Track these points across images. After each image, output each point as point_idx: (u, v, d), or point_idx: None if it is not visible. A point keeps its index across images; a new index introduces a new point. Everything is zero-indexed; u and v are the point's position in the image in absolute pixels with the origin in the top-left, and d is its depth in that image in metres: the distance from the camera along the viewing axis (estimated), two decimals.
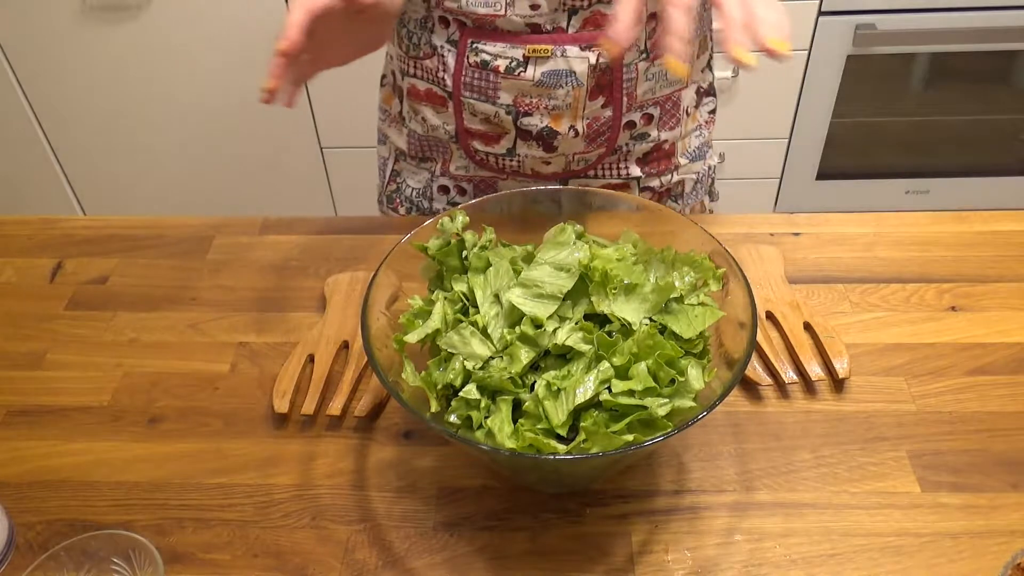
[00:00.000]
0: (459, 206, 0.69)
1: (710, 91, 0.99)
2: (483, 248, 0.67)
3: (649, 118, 0.91)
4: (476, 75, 0.85)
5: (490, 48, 0.83)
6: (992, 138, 2.01)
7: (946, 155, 2.04)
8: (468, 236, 0.68)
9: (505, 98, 0.85)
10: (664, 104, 0.91)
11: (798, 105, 1.91)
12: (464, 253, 0.68)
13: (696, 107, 0.97)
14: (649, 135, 0.93)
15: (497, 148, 0.90)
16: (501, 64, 0.83)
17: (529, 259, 0.65)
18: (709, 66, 0.97)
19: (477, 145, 0.91)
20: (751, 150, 1.99)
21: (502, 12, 0.80)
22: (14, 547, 0.64)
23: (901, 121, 1.99)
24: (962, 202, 2.08)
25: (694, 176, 1.00)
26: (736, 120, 1.90)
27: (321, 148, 1.99)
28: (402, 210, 1.02)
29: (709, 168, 1.03)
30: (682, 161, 0.98)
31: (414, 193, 1.00)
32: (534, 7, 0.80)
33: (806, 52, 1.82)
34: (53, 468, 0.70)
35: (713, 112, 1.01)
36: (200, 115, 1.93)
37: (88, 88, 1.89)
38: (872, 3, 1.75)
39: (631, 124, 0.90)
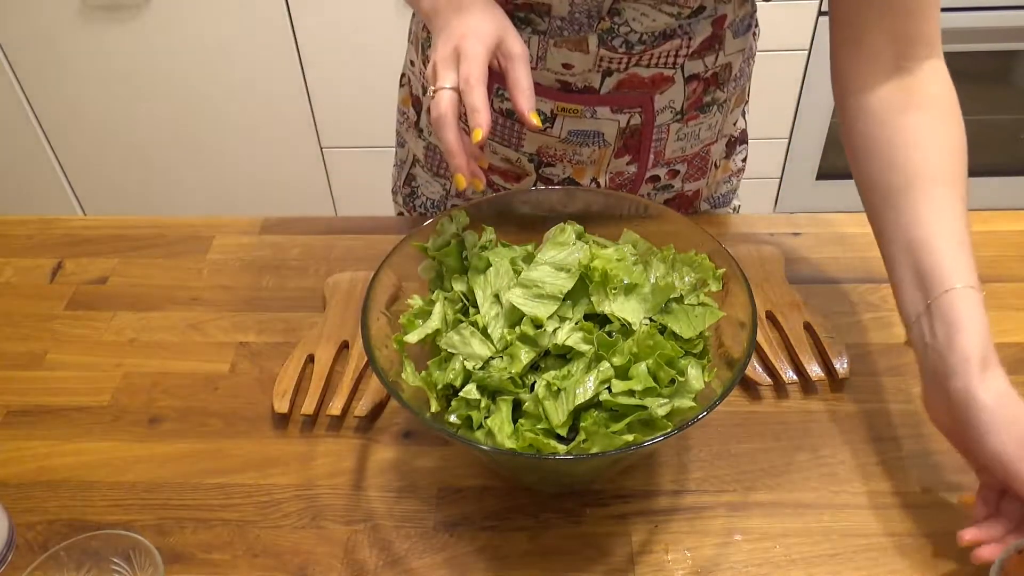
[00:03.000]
0: (459, 206, 0.69)
1: (743, 139, 0.96)
2: (483, 248, 0.67)
3: (675, 173, 0.88)
4: (500, 121, 0.82)
5: None
6: (992, 138, 2.01)
7: None
8: (468, 236, 0.68)
9: (529, 147, 0.83)
10: (692, 160, 0.88)
11: (798, 105, 1.91)
12: (464, 253, 0.68)
13: (727, 157, 0.94)
14: (673, 186, 0.90)
15: (516, 186, 0.88)
16: None
17: (529, 259, 0.65)
18: (743, 115, 0.94)
19: (496, 179, 0.89)
20: (751, 150, 1.98)
21: (533, 66, 0.76)
22: (14, 547, 0.64)
23: None
24: None
25: None
26: None
27: (321, 148, 1.99)
28: (416, 215, 1.01)
29: (734, 209, 1.01)
30: (704, 207, 0.96)
31: (430, 204, 0.99)
32: (567, 66, 0.76)
33: (806, 52, 1.82)
34: (53, 468, 0.70)
35: (745, 159, 0.97)
36: (200, 115, 1.93)
37: (88, 88, 1.89)
38: None
39: (655, 178, 0.88)
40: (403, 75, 0.97)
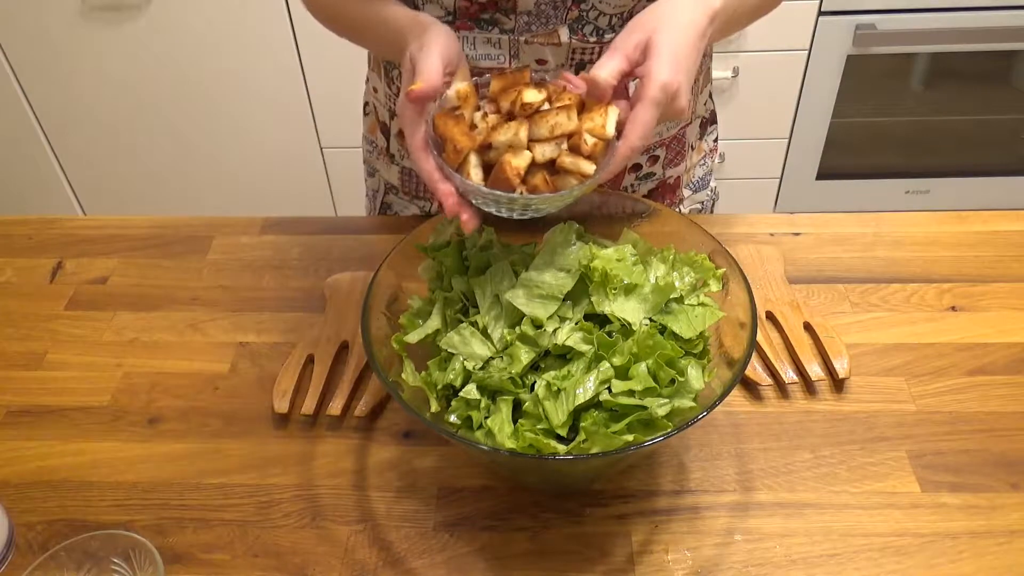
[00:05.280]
0: None
1: (712, 119, 0.98)
2: (483, 248, 0.67)
3: (655, 159, 0.89)
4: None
5: None
6: (992, 138, 2.01)
7: (946, 155, 2.04)
8: (468, 236, 0.68)
9: None
10: (670, 144, 0.89)
11: (798, 105, 1.91)
12: (464, 253, 0.68)
13: (700, 139, 0.95)
14: (655, 174, 0.91)
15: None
16: None
17: (529, 259, 0.65)
18: (710, 95, 0.95)
19: None
20: (751, 150, 1.99)
21: (506, 65, 0.77)
22: (14, 547, 0.64)
23: (901, 121, 1.99)
24: (962, 202, 2.08)
25: (698, 206, 0.99)
26: (736, 120, 1.90)
27: (321, 148, 1.99)
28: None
29: (712, 190, 1.02)
30: (686, 193, 0.97)
31: None
32: (541, 62, 0.76)
33: (806, 52, 1.82)
34: (53, 468, 0.70)
35: (716, 140, 0.99)
36: (200, 115, 1.93)
37: (88, 88, 1.89)
38: (872, 3, 1.75)
39: (637, 166, 0.89)
40: (366, 103, 0.96)
